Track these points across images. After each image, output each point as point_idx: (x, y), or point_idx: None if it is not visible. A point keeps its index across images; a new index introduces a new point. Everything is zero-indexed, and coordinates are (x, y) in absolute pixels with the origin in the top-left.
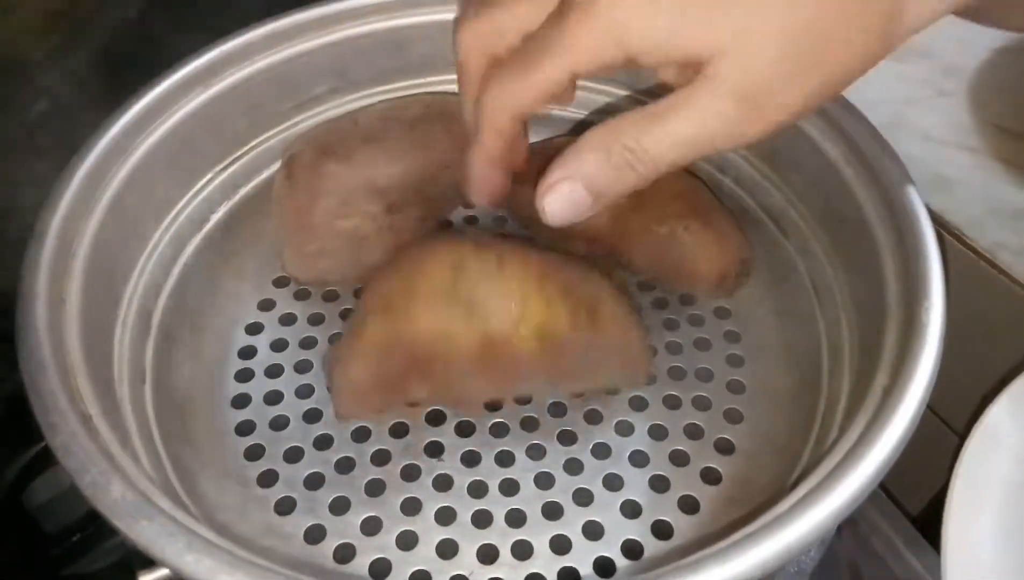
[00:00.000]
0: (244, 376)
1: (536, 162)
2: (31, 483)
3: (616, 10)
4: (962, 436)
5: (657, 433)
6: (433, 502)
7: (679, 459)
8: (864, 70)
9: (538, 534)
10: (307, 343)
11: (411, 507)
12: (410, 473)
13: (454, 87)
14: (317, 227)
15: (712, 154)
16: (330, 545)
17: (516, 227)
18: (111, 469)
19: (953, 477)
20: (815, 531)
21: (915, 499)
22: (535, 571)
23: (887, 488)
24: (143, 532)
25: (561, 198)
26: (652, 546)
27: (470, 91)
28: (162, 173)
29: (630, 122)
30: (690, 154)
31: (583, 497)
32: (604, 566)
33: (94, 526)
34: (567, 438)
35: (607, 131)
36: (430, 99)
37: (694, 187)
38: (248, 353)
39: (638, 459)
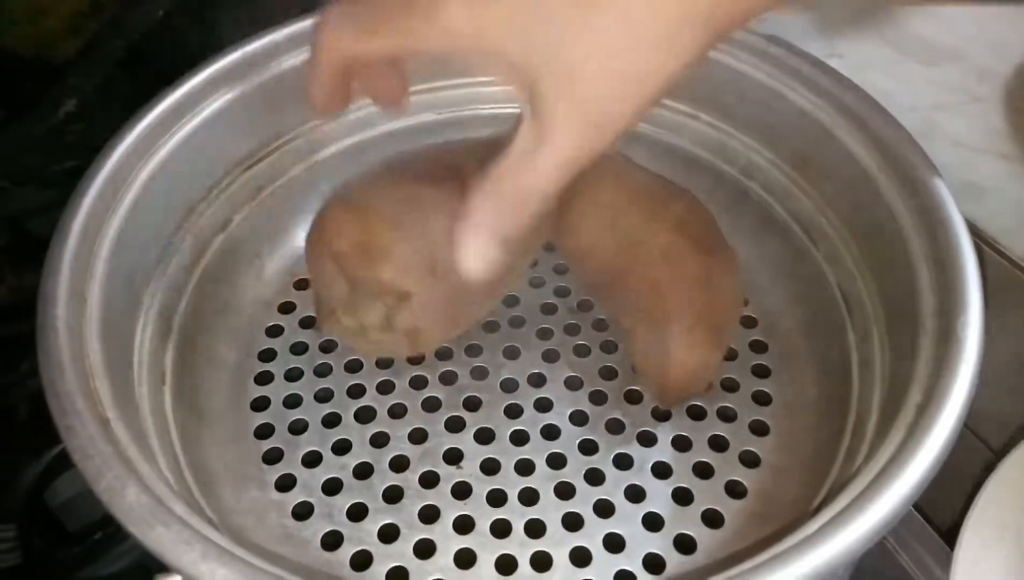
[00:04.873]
0: (263, 379)
1: None
2: (54, 481)
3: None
4: (994, 450)
5: (681, 444)
6: (452, 510)
7: (703, 471)
8: (693, 63)
9: (557, 546)
10: (327, 347)
11: (429, 515)
12: (429, 480)
13: (490, 89)
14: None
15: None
16: (347, 552)
17: None
18: (127, 474)
19: (972, 505)
20: (845, 554)
21: (944, 513)
22: None
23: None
24: (158, 539)
25: (475, 255)
26: (674, 560)
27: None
28: (185, 173)
29: (505, 168)
30: (568, 176)
31: (604, 508)
32: None
33: (115, 525)
34: (588, 447)
35: (491, 183)
36: (476, 147)
37: (699, 217)
38: (268, 356)
39: (661, 470)
